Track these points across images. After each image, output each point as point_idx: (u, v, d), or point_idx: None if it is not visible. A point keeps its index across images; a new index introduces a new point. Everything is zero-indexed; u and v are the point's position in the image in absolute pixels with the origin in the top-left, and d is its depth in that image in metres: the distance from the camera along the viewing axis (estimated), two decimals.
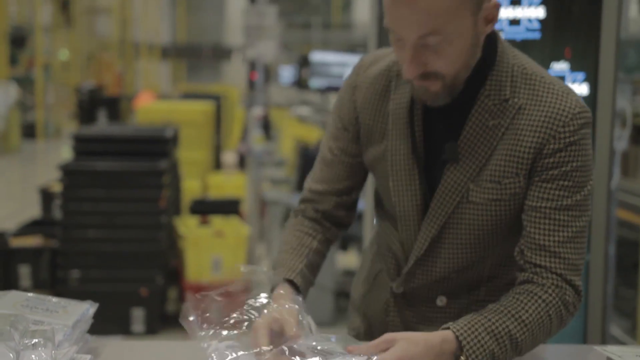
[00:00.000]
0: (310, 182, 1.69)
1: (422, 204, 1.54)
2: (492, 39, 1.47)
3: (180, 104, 8.97)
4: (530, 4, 2.71)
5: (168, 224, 5.14)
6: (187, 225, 5.44)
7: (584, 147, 1.46)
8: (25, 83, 17.48)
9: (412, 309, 1.63)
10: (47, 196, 6.29)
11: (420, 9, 1.31)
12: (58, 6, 20.73)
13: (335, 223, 1.69)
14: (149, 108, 8.14)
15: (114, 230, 4.81)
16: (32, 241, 4.99)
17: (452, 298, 1.59)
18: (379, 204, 1.67)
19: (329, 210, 1.66)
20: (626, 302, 4.69)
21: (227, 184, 7.99)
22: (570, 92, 1.48)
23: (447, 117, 1.50)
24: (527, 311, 1.42)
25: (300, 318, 1.40)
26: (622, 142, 3.84)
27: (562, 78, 2.72)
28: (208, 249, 5.18)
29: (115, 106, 12.29)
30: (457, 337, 1.37)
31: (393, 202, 1.56)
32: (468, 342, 1.37)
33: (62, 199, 4.83)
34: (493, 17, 1.41)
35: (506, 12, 2.73)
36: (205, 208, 6.10)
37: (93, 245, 4.80)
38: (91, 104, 12.28)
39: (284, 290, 1.50)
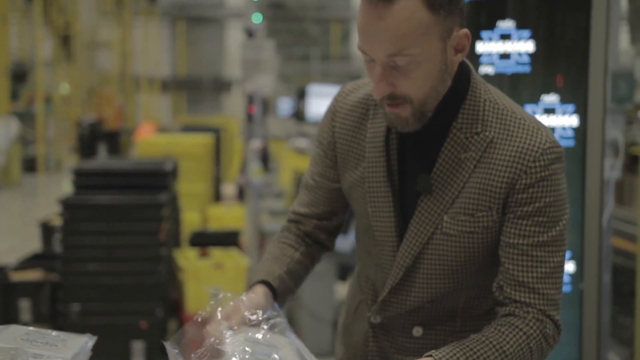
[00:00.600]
0: (294, 205, 1.74)
1: (398, 232, 1.57)
2: (464, 72, 1.50)
3: (180, 137, 9.04)
4: (519, 39, 2.78)
5: (168, 256, 5.17)
6: (187, 258, 5.47)
7: (556, 182, 1.47)
8: (26, 117, 17.59)
9: (389, 340, 1.65)
10: (47, 230, 6.32)
11: (387, 29, 1.34)
12: (59, 41, 20.92)
13: (317, 243, 1.73)
14: (149, 141, 8.21)
15: (113, 263, 4.84)
16: (33, 275, 5.01)
17: (428, 328, 1.61)
18: (358, 232, 1.71)
19: (310, 231, 1.71)
20: (624, 330, 4.71)
21: (227, 215, 8.03)
22: (541, 127, 1.50)
23: (420, 147, 1.53)
24: (508, 342, 1.43)
25: (248, 313, 1.43)
26: (615, 172, 3.89)
27: (552, 110, 2.78)
28: (207, 281, 5.21)
29: (115, 139, 12.37)
30: None
31: (372, 227, 1.59)
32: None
33: (62, 232, 4.87)
34: (463, 47, 1.43)
35: (496, 47, 2.80)
36: (204, 240, 6.13)
37: (93, 279, 4.82)
38: (91, 137, 12.36)
39: (256, 291, 1.54)
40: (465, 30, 1.43)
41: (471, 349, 1.42)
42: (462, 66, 1.50)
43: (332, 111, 1.67)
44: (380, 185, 1.57)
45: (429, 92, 1.43)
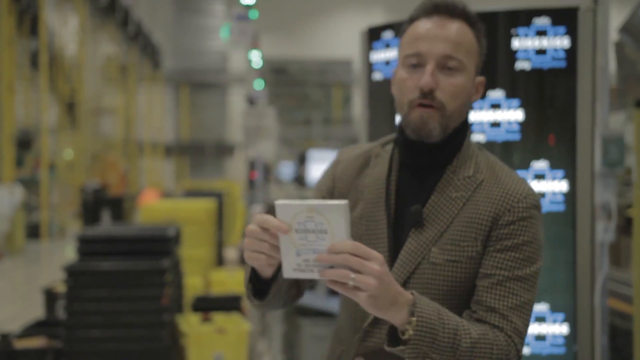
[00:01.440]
0: None
1: (391, 264, 1.68)
2: (467, 125, 1.73)
3: (183, 203, 9.13)
4: (509, 107, 2.88)
5: (170, 321, 5.20)
6: (189, 323, 5.51)
7: (534, 225, 1.64)
8: (30, 184, 17.74)
9: None
10: (51, 297, 6.36)
11: (448, 35, 1.63)
12: (64, 108, 21.21)
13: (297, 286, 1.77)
14: (153, 207, 8.30)
15: (117, 329, 4.88)
16: (36, 342, 5.04)
17: None
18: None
19: None
20: None
21: (229, 280, 8.06)
22: (524, 180, 1.71)
23: (416, 185, 1.70)
24: (476, 331, 1.54)
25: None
26: (609, 234, 3.95)
27: (542, 176, 2.87)
28: (210, 346, 5.23)
29: (119, 205, 12.47)
30: (415, 302, 1.48)
31: None
32: (420, 312, 1.47)
33: (66, 299, 4.92)
34: (479, 90, 1.72)
35: (487, 115, 2.90)
36: (206, 305, 6.16)
37: (96, 345, 4.86)
38: (95, 203, 12.46)
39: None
40: (483, 78, 1.72)
41: (445, 312, 1.52)
42: (468, 121, 1.73)
43: (335, 161, 1.85)
44: (378, 221, 1.70)
45: (457, 107, 1.65)
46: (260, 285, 1.64)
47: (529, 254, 1.63)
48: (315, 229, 1.44)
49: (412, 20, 1.70)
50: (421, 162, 1.70)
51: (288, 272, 1.47)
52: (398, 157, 1.74)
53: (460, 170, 1.68)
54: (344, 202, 1.43)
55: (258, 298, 1.65)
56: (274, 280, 1.62)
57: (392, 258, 1.69)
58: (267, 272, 1.58)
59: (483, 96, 1.76)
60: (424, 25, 1.65)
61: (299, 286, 1.76)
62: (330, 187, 1.81)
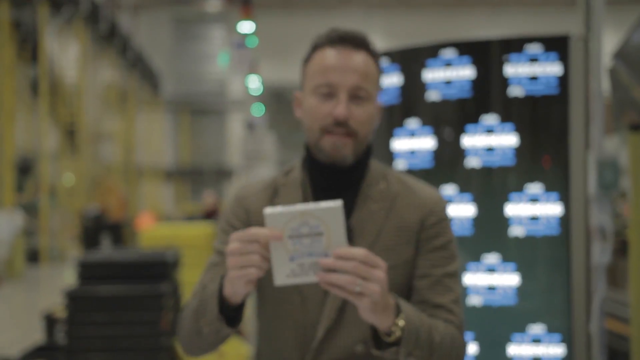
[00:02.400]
0: (206, 277, 1.80)
1: None
2: (369, 148, 1.82)
3: (182, 227, 9.17)
4: (503, 132, 2.93)
5: (169, 345, 5.22)
6: None
7: (450, 225, 1.81)
8: (30, 209, 17.77)
9: None
10: (50, 321, 6.37)
11: (357, 66, 1.71)
12: (64, 134, 21.29)
13: None
14: (152, 232, 8.34)
15: (117, 353, 4.89)
16: None
17: None
18: (270, 305, 1.78)
19: None
20: None
21: None
22: (432, 187, 1.85)
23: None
24: (440, 326, 1.67)
25: None
26: (605, 256, 3.98)
27: (536, 200, 2.91)
28: None
29: (118, 230, 12.49)
30: (397, 304, 1.56)
31: (300, 287, 1.70)
32: (406, 314, 1.57)
33: (66, 324, 4.94)
34: (379, 114, 1.81)
35: (481, 140, 2.95)
36: None
37: None
38: (95, 228, 12.48)
39: None
40: (380, 103, 1.81)
41: (419, 311, 1.64)
42: (369, 145, 1.82)
43: (239, 198, 1.84)
44: None
45: (367, 133, 1.75)
46: (229, 313, 1.61)
47: (452, 251, 1.79)
48: (310, 233, 1.46)
49: (315, 48, 1.76)
50: (336, 183, 1.77)
51: (281, 279, 1.48)
52: (309, 181, 1.80)
53: (373, 185, 1.78)
54: (338, 202, 1.46)
55: (231, 326, 1.63)
56: (243, 305, 1.62)
57: None
58: (239, 295, 1.56)
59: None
60: (332, 56, 1.72)
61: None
62: (245, 220, 1.80)
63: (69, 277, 10.54)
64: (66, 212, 20.17)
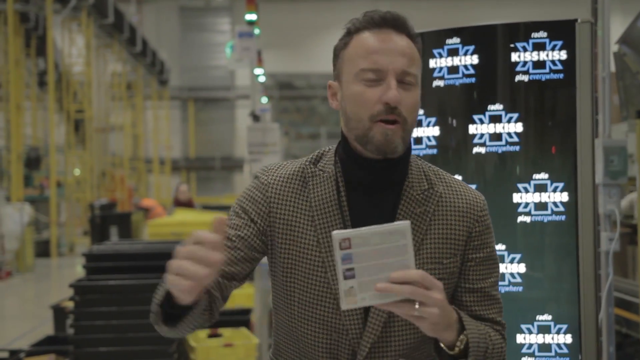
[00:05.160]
0: None
1: None
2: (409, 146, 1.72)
3: (190, 218, 9.17)
4: (509, 120, 2.91)
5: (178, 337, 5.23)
6: (197, 338, 5.53)
7: (492, 228, 1.74)
8: (39, 202, 17.83)
9: None
10: (60, 313, 6.40)
11: (403, 49, 1.61)
12: (71, 126, 21.33)
13: (215, 298, 1.64)
14: (160, 222, 8.35)
15: (125, 345, 4.90)
16: (45, 359, 5.07)
17: None
18: (295, 308, 1.68)
19: (215, 282, 1.63)
20: None
21: (237, 294, 8.07)
22: (466, 185, 1.75)
23: (376, 205, 1.66)
24: (491, 334, 1.65)
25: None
26: (614, 244, 3.97)
27: (545, 187, 2.89)
28: None
29: (126, 222, 12.51)
30: (460, 318, 1.56)
31: (334, 290, 1.62)
32: (469, 329, 1.56)
33: (74, 316, 4.95)
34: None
35: (487, 128, 2.93)
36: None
37: None
38: (103, 220, 12.51)
39: None
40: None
41: (476, 322, 1.63)
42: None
43: (263, 184, 1.69)
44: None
45: (414, 121, 1.64)
46: (173, 310, 1.50)
47: (495, 257, 1.72)
48: (378, 254, 1.41)
49: (351, 33, 1.65)
50: (378, 180, 1.66)
51: (345, 304, 1.42)
52: (342, 174, 1.67)
53: (415, 184, 1.67)
54: (406, 223, 1.41)
55: (168, 324, 1.53)
56: (192, 308, 1.49)
57: None
58: (185, 299, 1.43)
59: None
60: (376, 39, 1.61)
61: (212, 310, 1.61)
62: (264, 213, 1.67)
63: (80, 270, 10.57)
64: (75, 205, 20.23)
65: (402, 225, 1.41)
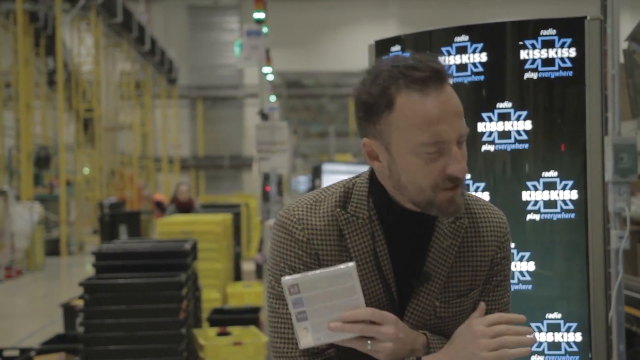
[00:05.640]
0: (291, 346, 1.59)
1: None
2: None
3: (200, 216, 9.20)
4: (518, 118, 2.90)
5: (188, 335, 5.24)
6: (207, 336, 5.54)
7: (511, 248, 1.72)
8: (48, 201, 17.89)
9: None
10: (69, 312, 6.42)
11: (459, 107, 1.49)
12: (81, 125, 21.39)
13: None
14: (169, 221, 8.36)
15: (134, 344, 4.91)
16: (55, 357, 5.09)
17: None
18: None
19: None
20: None
21: (246, 293, 8.10)
22: (488, 203, 1.70)
23: (408, 243, 1.61)
24: None
25: None
26: (623, 241, 3.95)
27: (554, 185, 2.88)
28: (227, 359, 5.26)
29: (136, 220, 12.54)
30: (428, 343, 1.56)
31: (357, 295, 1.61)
32: (435, 348, 1.57)
33: (84, 314, 4.96)
34: None
35: (496, 126, 2.92)
36: (223, 318, 6.20)
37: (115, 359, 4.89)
38: (112, 219, 12.55)
39: None
40: None
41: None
42: None
43: (303, 242, 1.58)
44: (377, 295, 1.59)
45: None
46: None
47: (509, 279, 1.71)
48: (329, 294, 1.48)
49: (393, 90, 1.49)
50: (411, 224, 1.59)
51: (305, 343, 1.49)
52: (378, 222, 1.59)
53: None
54: (351, 264, 1.47)
55: None
56: None
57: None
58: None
59: None
60: (431, 105, 1.47)
61: None
62: (316, 264, 1.58)
63: (89, 268, 10.60)
64: (84, 204, 20.29)
65: (347, 268, 1.47)
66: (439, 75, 1.48)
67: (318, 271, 1.48)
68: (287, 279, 1.48)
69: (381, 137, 1.52)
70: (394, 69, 1.49)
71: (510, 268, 1.72)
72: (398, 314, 1.58)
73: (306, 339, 1.49)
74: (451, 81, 1.52)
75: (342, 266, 1.47)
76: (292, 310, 1.48)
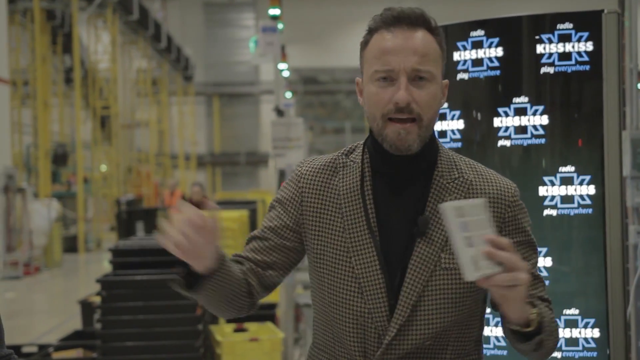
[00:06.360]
0: (245, 248, 1.81)
1: (386, 275, 1.67)
2: (433, 135, 1.75)
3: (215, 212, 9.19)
4: (534, 113, 2.88)
5: (204, 331, 5.25)
6: (223, 332, 5.55)
7: (526, 210, 1.77)
8: (66, 198, 17.99)
9: None
10: (87, 308, 6.46)
11: (415, 47, 1.64)
12: (97, 123, 21.49)
13: (252, 284, 1.76)
14: None
15: (151, 340, 4.93)
16: (73, 354, 5.12)
17: None
18: (326, 293, 1.74)
19: (245, 270, 1.75)
20: None
21: None
22: (497, 173, 1.79)
23: (404, 194, 1.72)
24: (550, 314, 1.70)
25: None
26: None
27: (571, 180, 2.86)
28: (244, 355, 5.27)
29: (152, 217, 12.59)
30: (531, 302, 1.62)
31: (358, 275, 1.68)
32: (538, 304, 1.64)
33: (101, 311, 4.99)
34: (445, 93, 1.74)
35: (513, 121, 2.90)
36: None
37: (132, 356, 4.91)
38: (129, 216, 12.61)
39: None
40: (447, 81, 1.74)
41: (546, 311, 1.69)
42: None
43: (297, 175, 1.80)
44: (360, 233, 1.69)
45: (432, 117, 1.68)
46: (193, 279, 1.65)
47: (533, 239, 1.76)
48: (474, 225, 1.48)
49: (371, 31, 1.70)
50: (401, 173, 1.71)
51: (470, 274, 1.46)
52: (369, 164, 1.74)
53: (445, 173, 1.72)
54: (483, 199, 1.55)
55: (190, 290, 1.65)
56: (210, 278, 1.63)
57: (385, 271, 1.68)
58: (196, 265, 1.61)
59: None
60: (388, 39, 1.65)
61: (252, 295, 1.75)
62: (297, 203, 1.76)
63: (107, 265, 10.65)
64: (101, 201, 20.39)
65: (481, 200, 1.54)
66: (408, 18, 1.66)
67: (468, 201, 1.54)
68: (446, 204, 1.48)
69: (361, 72, 1.73)
70: (380, 15, 1.69)
71: (530, 233, 1.75)
72: (383, 259, 1.68)
73: (471, 269, 1.45)
74: (431, 30, 1.68)
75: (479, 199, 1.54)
76: (459, 236, 1.46)
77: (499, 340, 2.88)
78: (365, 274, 1.68)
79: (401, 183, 1.71)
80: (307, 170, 1.78)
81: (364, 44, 1.71)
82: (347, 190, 1.73)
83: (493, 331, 2.87)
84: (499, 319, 2.78)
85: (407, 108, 1.63)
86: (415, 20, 1.66)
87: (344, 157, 1.78)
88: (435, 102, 1.67)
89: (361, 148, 1.78)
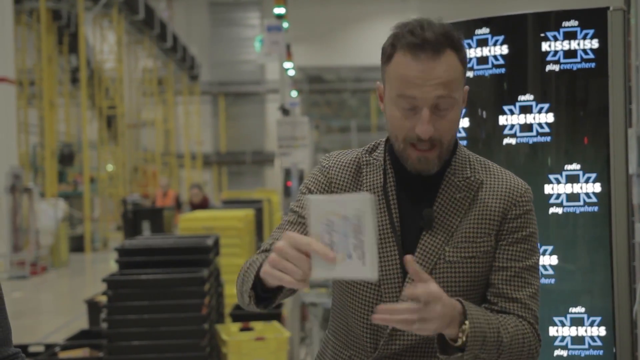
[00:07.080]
0: (265, 243, 1.84)
1: (402, 268, 1.70)
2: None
3: (222, 212, 9.21)
4: (540, 111, 2.87)
5: (210, 330, 5.25)
6: (229, 331, 5.55)
7: (534, 218, 1.78)
8: (73, 197, 18.02)
9: None
10: (94, 307, 6.47)
11: (439, 76, 1.63)
12: (104, 122, 21.52)
13: None
14: (192, 217, 8.38)
15: (157, 339, 4.93)
16: (79, 353, 5.13)
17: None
18: (342, 283, 1.79)
19: None
20: None
21: None
22: (515, 176, 1.80)
23: (418, 191, 1.75)
24: (510, 324, 1.67)
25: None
26: None
27: (577, 178, 2.85)
28: (250, 354, 5.27)
29: (158, 216, 12.60)
30: (464, 310, 1.57)
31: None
32: (472, 319, 1.57)
33: (107, 310, 4.99)
34: (465, 99, 1.74)
35: (518, 119, 2.90)
36: (246, 313, 6.21)
37: (138, 355, 4.91)
38: (135, 215, 12.62)
39: None
40: (467, 87, 1.75)
41: (487, 313, 1.64)
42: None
43: (325, 167, 1.83)
44: (383, 228, 1.74)
45: (452, 138, 1.71)
46: (263, 293, 1.65)
47: (533, 244, 1.75)
48: (345, 224, 1.44)
49: (395, 46, 1.67)
50: (418, 186, 1.74)
51: (317, 273, 1.46)
52: (391, 164, 1.78)
53: (458, 172, 1.75)
54: (368, 194, 1.47)
55: (261, 306, 1.67)
56: (281, 289, 1.63)
57: (403, 265, 1.69)
58: (271, 284, 1.57)
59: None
60: (413, 67, 1.63)
61: None
62: (327, 191, 1.81)
63: (113, 264, 10.67)
64: (107, 201, 20.42)
65: (367, 196, 1.46)
66: (432, 44, 1.63)
67: (341, 195, 1.51)
68: (314, 196, 1.48)
69: (383, 82, 1.74)
70: (404, 28, 1.66)
71: (532, 236, 1.75)
72: (402, 248, 1.72)
73: (320, 268, 1.45)
74: (455, 49, 1.66)
75: (361, 195, 1.45)
76: (311, 235, 1.45)
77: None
78: (385, 265, 1.71)
79: (420, 182, 1.74)
80: (335, 164, 1.82)
81: (387, 57, 1.69)
82: (371, 188, 1.77)
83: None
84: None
85: (428, 140, 1.65)
86: (440, 45, 1.63)
87: (367, 155, 1.82)
88: (456, 124, 1.70)
89: (383, 147, 1.81)
